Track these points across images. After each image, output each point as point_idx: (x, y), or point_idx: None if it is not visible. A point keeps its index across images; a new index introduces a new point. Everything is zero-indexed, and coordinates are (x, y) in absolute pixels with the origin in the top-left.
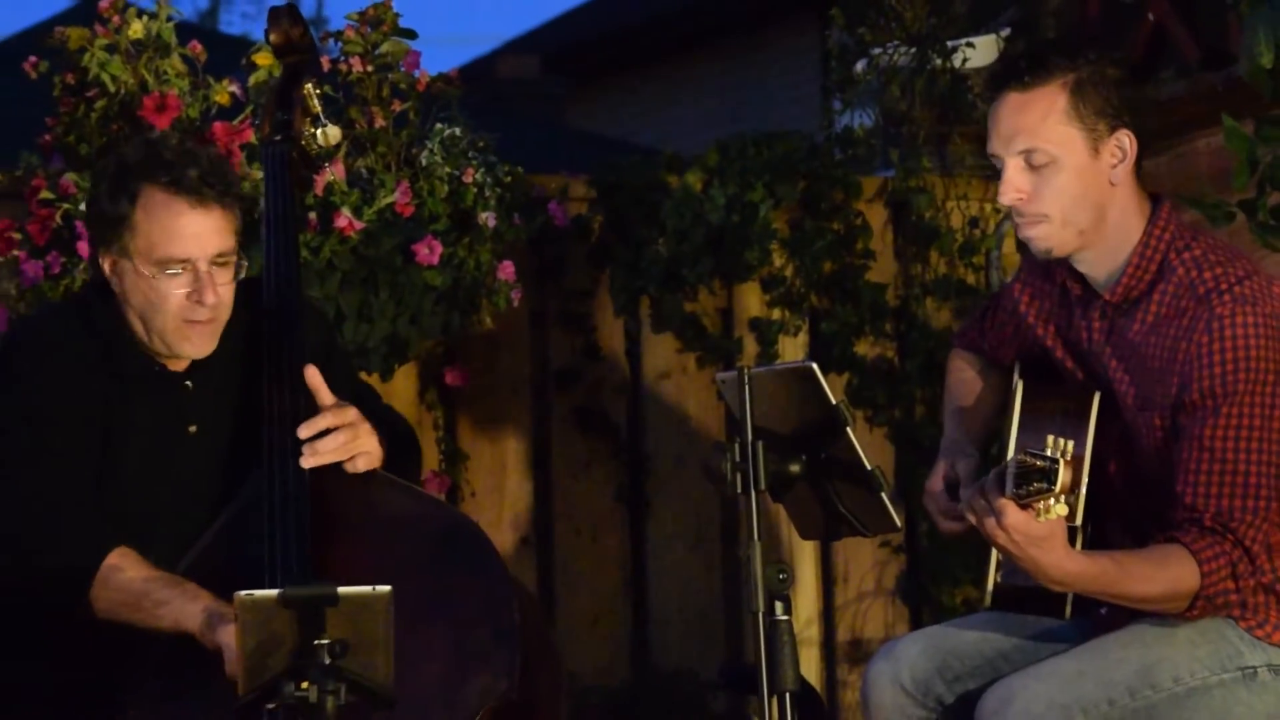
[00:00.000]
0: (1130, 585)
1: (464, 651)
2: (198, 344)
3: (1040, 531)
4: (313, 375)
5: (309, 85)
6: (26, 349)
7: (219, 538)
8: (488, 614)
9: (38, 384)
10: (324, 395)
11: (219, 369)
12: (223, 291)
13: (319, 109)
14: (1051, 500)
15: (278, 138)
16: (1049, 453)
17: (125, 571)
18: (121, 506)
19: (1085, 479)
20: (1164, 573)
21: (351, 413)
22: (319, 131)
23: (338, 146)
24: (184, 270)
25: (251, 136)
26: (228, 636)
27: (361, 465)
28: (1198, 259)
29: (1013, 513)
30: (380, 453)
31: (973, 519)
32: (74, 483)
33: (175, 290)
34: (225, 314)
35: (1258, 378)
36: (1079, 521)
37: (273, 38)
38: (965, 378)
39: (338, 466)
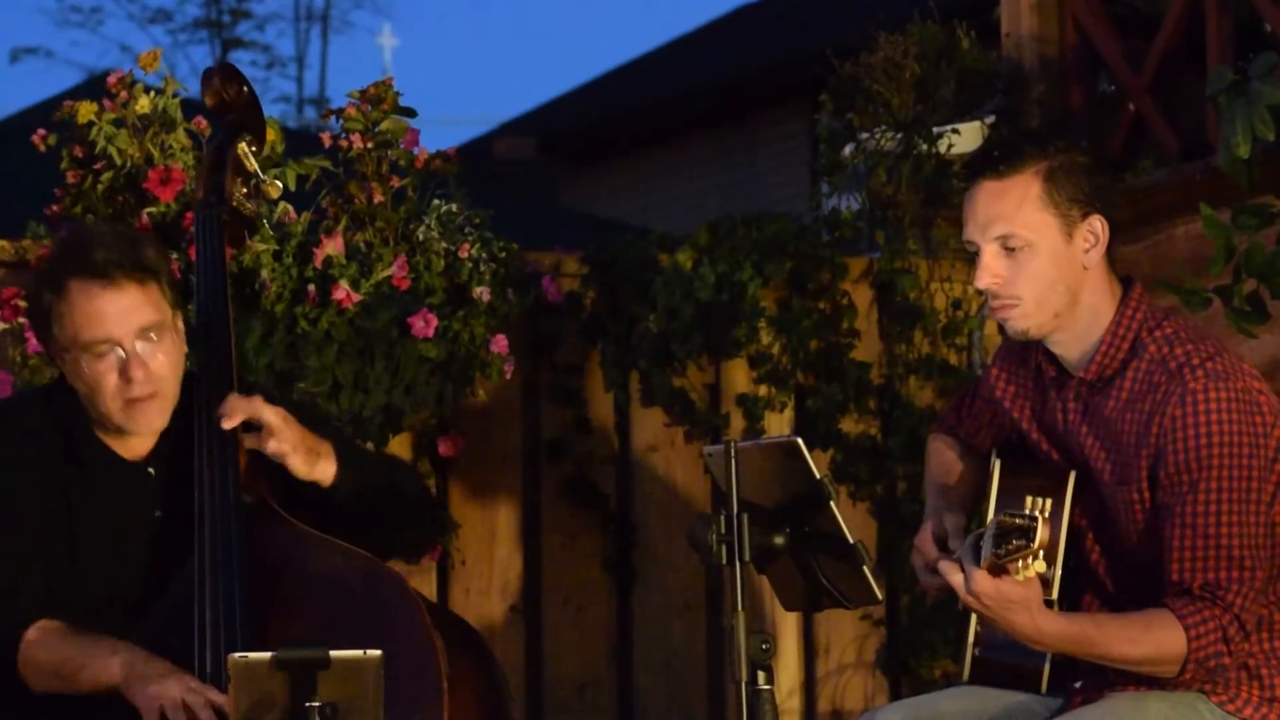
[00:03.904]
0: (1112, 646)
1: (394, 704)
2: (145, 419)
3: (1015, 595)
4: (237, 401)
5: (243, 144)
6: None
7: (163, 606)
8: (414, 665)
9: None
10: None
11: (182, 454)
12: (156, 366)
13: (254, 167)
14: (1030, 558)
15: (212, 199)
16: (1028, 511)
17: (43, 643)
18: (85, 591)
19: (1061, 556)
20: (1148, 635)
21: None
22: (257, 186)
23: (337, 221)
24: (110, 350)
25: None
26: (143, 695)
27: (272, 447)
28: (1169, 336)
29: (980, 579)
30: (301, 442)
31: (951, 581)
32: (6, 563)
33: (107, 371)
34: (168, 387)
35: (1232, 450)
36: (1055, 596)
37: (207, 99)
38: (945, 459)
39: (268, 527)
